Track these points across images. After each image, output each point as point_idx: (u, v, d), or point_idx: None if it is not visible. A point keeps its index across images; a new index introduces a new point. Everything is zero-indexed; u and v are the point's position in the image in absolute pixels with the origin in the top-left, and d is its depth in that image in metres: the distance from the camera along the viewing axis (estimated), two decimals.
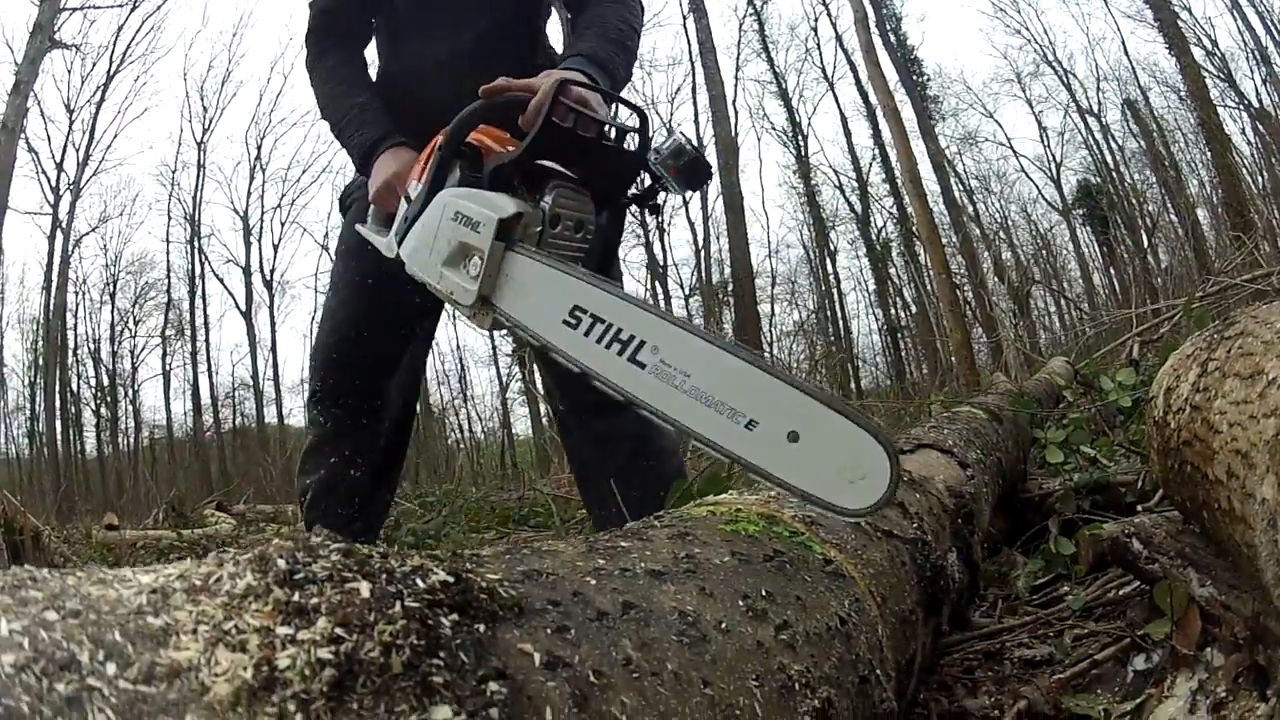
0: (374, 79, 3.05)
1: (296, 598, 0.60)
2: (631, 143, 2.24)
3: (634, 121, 2.28)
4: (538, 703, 0.65)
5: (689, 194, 2.42)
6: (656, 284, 30.67)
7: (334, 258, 3.26)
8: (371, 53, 3.15)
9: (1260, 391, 1.27)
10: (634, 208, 2.33)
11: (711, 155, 26.25)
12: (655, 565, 1.00)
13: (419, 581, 0.66)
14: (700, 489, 1.99)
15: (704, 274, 31.81)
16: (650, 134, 2.22)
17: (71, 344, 30.41)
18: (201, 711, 0.51)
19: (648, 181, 2.23)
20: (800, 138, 32.87)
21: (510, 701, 0.62)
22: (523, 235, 2.02)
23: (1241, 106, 25.60)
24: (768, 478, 1.58)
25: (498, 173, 2.07)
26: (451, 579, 0.69)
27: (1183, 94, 25.08)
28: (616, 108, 2.48)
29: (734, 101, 29.06)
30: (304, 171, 43.95)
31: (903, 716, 1.45)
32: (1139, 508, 2.51)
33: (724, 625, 0.95)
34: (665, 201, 2.40)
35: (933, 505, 1.92)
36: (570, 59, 2.53)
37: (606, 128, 2.20)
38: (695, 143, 2.19)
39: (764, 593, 1.07)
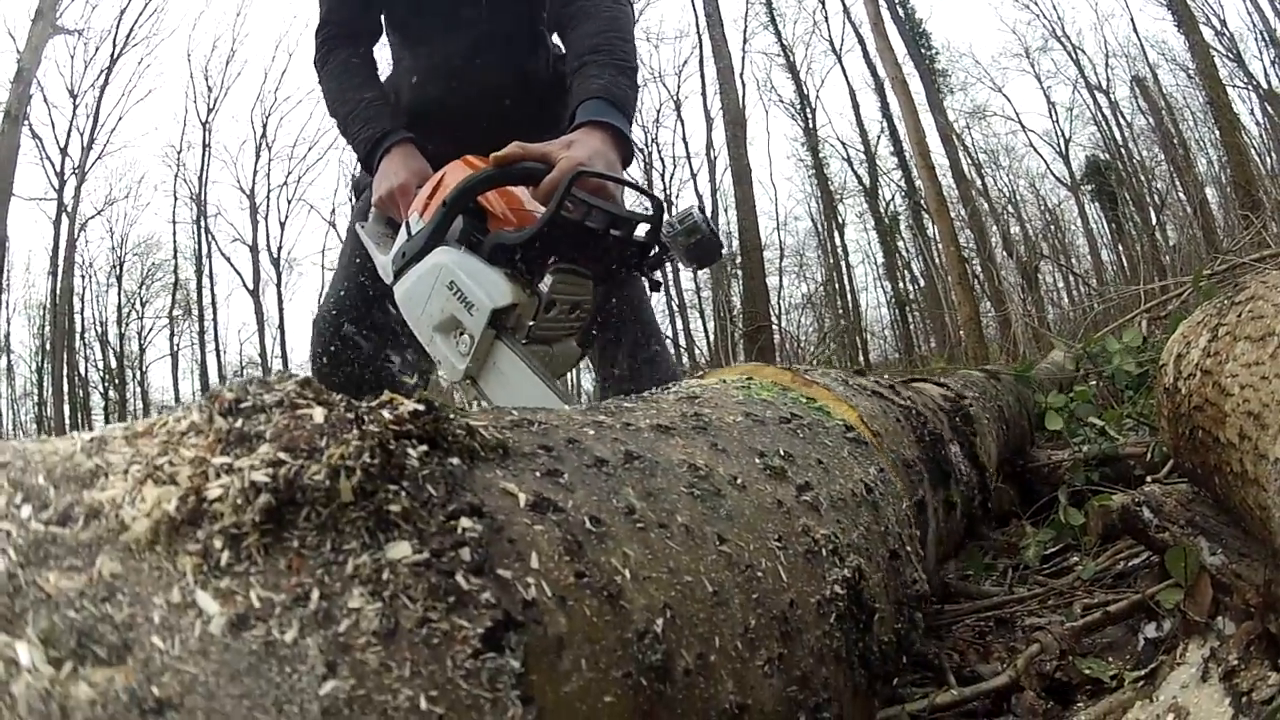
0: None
1: (240, 425, 0.54)
2: (642, 230, 2.22)
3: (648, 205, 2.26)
4: (521, 546, 0.57)
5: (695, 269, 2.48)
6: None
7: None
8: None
9: (1271, 352, 1.26)
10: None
11: (719, 126, 26.28)
12: (662, 421, 0.91)
13: (385, 412, 0.59)
14: None
15: None
16: (664, 224, 2.21)
17: (79, 328, 30.41)
18: (115, 552, 0.46)
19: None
20: (808, 110, 32.82)
21: (486, 541, 0.54)
22: (515, 324, 2.08)
23: (1250, 87, 25.49)
24: None
25: (499, 250, 2.06)
26: (423, 407, 0.61)
27: (1191, 72, 24.96)
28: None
29: (741, 74, 28.91)
30: (310, 148, 44.28)
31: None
32: (1148, 479, 2.51)
33: (739, 481, 0.86)
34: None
35: (927, 401, 1.95)
36: (588, 101, 2.44)
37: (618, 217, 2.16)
38: (709, 221, 2.24)
39: (781, 452, 0.98)
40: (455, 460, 0.60)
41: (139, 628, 0.42)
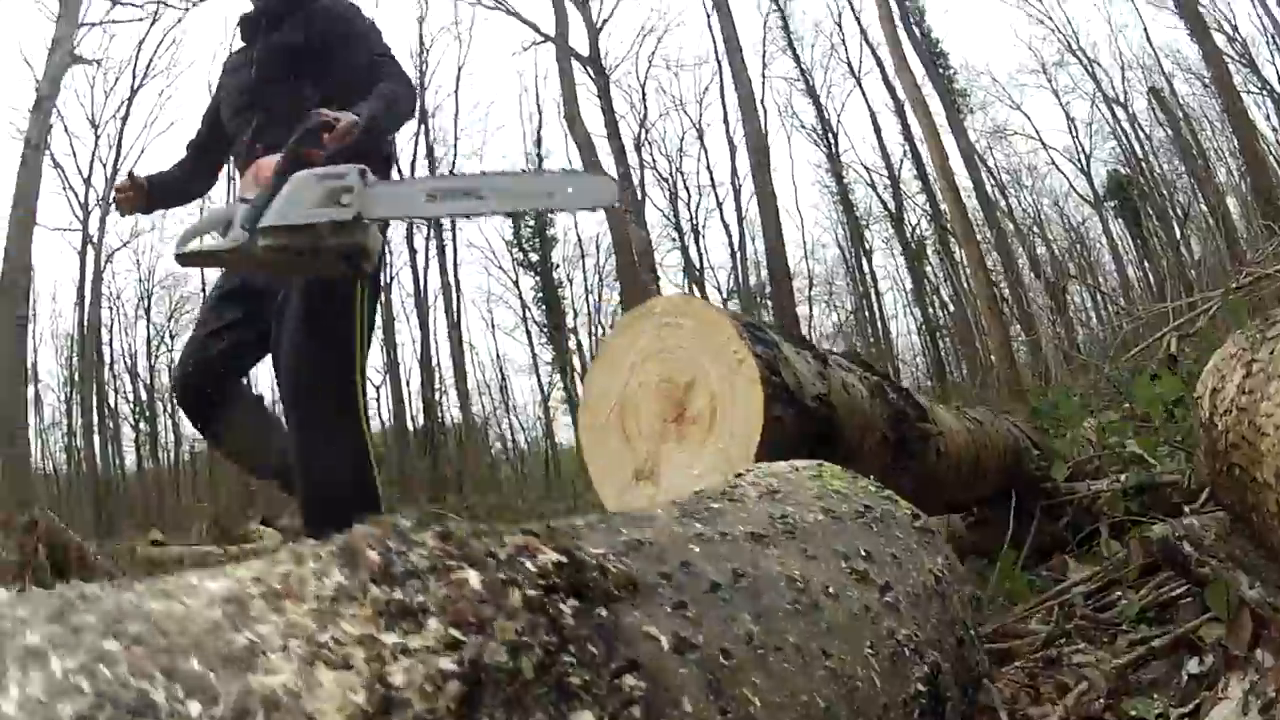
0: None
1: (399, 595, 0.53)
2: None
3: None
4: (675, 694, 0.59)
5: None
6: (694, 288, 30.56)
7: None
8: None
9: None
10: None
11: (743, 154, 26.18)
12: (755, 529, 0.93)
13: (528, 564, 0.59)
14: None
15: (741, 276, 31.72)
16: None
17: (108, 359, 30.38)
18: None
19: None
20: (830, 135, 32.55)
21: (650, 695, 0.56)
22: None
23: (1265, 92, 25.28)
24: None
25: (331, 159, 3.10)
26: (563, 558, 0.62)
27: (1206, 80, 24.74)
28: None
29: (762, 100, 28.72)
30: None
31: None
32: (1186, 509, 2.53)
33: (831, 590, 0.88)
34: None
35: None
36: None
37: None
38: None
39: (862, 552, 1.01)
40: (603, 611, 0.62)
41: None
